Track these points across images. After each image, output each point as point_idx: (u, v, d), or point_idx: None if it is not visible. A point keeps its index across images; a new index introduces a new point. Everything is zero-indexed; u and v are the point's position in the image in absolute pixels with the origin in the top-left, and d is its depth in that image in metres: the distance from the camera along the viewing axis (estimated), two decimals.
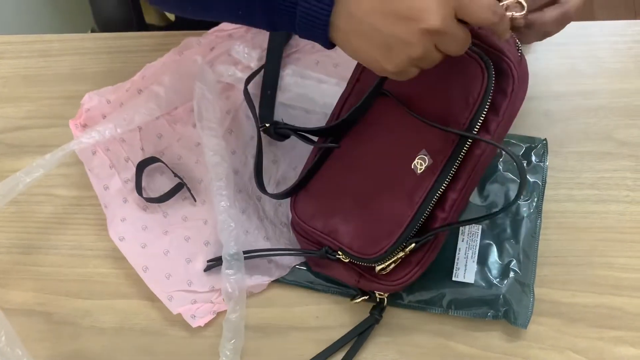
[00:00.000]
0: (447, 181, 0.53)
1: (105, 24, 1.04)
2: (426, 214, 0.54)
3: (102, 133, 0.64)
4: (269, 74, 0.69)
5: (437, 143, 0.53)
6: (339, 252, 0.57)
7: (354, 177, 0.58)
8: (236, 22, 0.55)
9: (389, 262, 0.55)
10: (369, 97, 0.55)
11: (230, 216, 0.60)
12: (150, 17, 1.07)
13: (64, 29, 1.38)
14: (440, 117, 0.53)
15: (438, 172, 0.53)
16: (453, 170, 0.53)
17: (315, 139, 0.61)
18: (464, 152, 0.53)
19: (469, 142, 0.53)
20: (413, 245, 0.54)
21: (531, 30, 0.55)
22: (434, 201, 0.54)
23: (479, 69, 0.51)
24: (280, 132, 0.63)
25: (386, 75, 0.48)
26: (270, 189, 0.65)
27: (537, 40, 0.56)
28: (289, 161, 0.67)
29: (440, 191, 0.53)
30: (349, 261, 0.57)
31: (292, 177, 0.66)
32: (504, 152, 0.65)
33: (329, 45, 0.49)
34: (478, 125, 0.52)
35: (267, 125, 0.63)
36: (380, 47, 0.46)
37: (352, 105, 0.58)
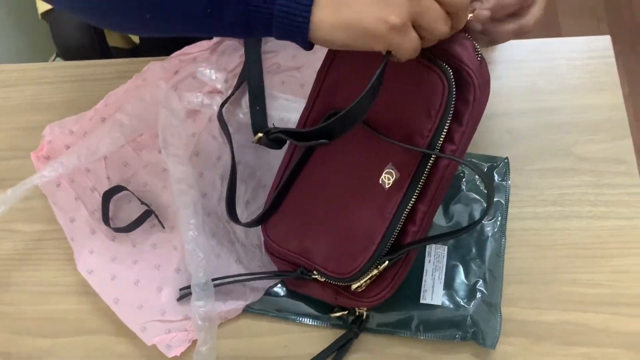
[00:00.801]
0: (416, 194, 0.53)
1: (66, 50, 1.03)
2: (398, 228, 0.54)
3: (65, 165, 0.63)
4: (254, 89, 0.69)
5: (403, 157, 0.53)
6: (314, 272, 0.57)
7: (323, 195, 0.58)
8: (199, 32, 0.51)
9: (364, 280, 0.55)
10: (374, 86, 0.48)
11: (198, 245, 0.59)
12: (113, 40, 1.06)
13: (25, 56, 1.36)
14: (404, 131, 0.53)
15: (406, 186, 0.53)
16: (421, 183, 0.53)
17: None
18: (430, 164, 0.53)
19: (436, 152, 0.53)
20: (386, 263, 0.55)
21: (484, 37, 0.55)
22: (404, 215, 0.54)
23: (438, 79, 0.51)
24: (273, 138, 0.59)
25: (393, 35, 0.45)
26: (239, 209, 0.65)
27: (485, 47, 0.57)
28: (258, 179, 0.67)
29: (410, 204, 0.53)
30: (325, 280, 0.57)
31: (262, 196, 0.66)
32: (466, 172, 0.65)
33: (308, 44, 0.48)
34: (442, 136, 0.52)
35: (260, 134, 0.59)
36: (375, 2, 0.45)
37: (316, 120, 0.57)
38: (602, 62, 0.70)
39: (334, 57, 0.57)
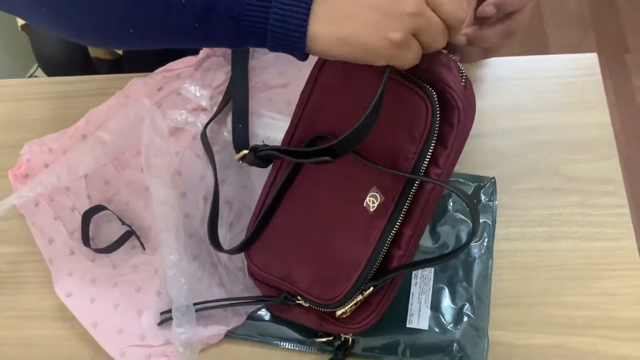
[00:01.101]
0: (401, 217, 0.52)
1: (47, 62, 1.01)
2: (383, 253, 0.53)
3: (44, 184, 0.62)
4: (238, 105, 0.67)
5: (387, 180, 0.52)
6: (298, 298, 0.56)
7: (307, 219, 0.56)
8: (185, 45, 0.50)
9: (349, 306, 0.54)
10: (378, 103, 0.47)
11: (179, 270, 0.58)
12: (96, 51, 1.04)
13: (4, 68, 1.34)
14: (388, 154, 0.52)
15: (391, 210, 0.52)
16: (406, 206, 0.52)
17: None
18: (415, 187, 0.52)
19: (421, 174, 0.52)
20: (371, 289, 0.53)
21: (474, 47, 0.54)
22: (389, 239, 0.53)
23: (422, 102, 0.50)
24: (262, 155, 0.57)
25: (395, 50, 0.44)
26: (223, 231, 0.63)
27: (481, 58, 0.56)
28: (242, 200, 0.66)
29: (395, 228, 0.52)
30: (309, 306, 0.56)
31: (246, 217, 0.65)
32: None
33: (304, 56, 0.47)
34: (427, 160, 0.51)
35: (245, 152, 0.58)
36: (376, 16, 0.44)
37: (299, 142, 0.56)
38: (589, 79, 0.70)
39: (316, 77, 0.56)
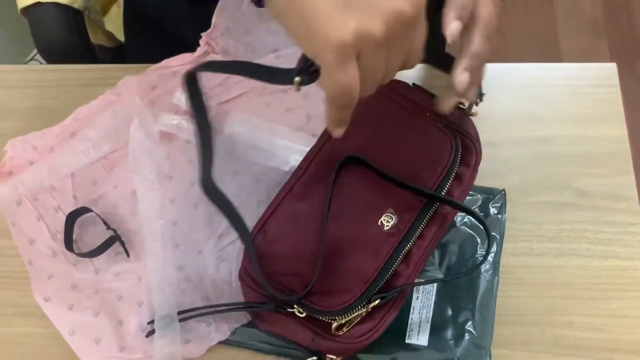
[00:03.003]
0: (413, 239, 0.54)
1: (46, 47, 0.98)
2: (392, 269, 0.53)
3: (25, 184, 0.59)
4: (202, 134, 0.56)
5: (404, 203, 0.55)
6: (294, 306, 0.53)
7: (317, 229, 0.55)
8: None
9: (348, 319, 0.52)
10: None
11: (164, 279, 0.55)
12: (97, 37, 1.01)
13: (2, 53, 1.31)
14: (410, 177, 0.56)
15: (405, 231, 0.54)
16: (420, 230, 0.55)
17: None
18: (430, 214, 0.55)
19: (436, 204, 0.55)
20: (378, 301, 0.53)
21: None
22: (400, 257, 0.54)
23: (447, 141, 0.56)
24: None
25: (337, 52, 0.37)
26: (211, 241, 0.61)
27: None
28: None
29: (407, 248, 0.54)
30: (305, 316, 0.53)
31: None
32: None
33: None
34: (444, 191, 0.55)
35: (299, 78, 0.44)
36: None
37: (322, 162, 0.57)
38: (606, 91, 0.67)
39: None
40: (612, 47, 1.51)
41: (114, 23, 1.02)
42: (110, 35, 1.03)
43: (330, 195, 0.55)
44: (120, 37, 1.01)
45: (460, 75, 0.49)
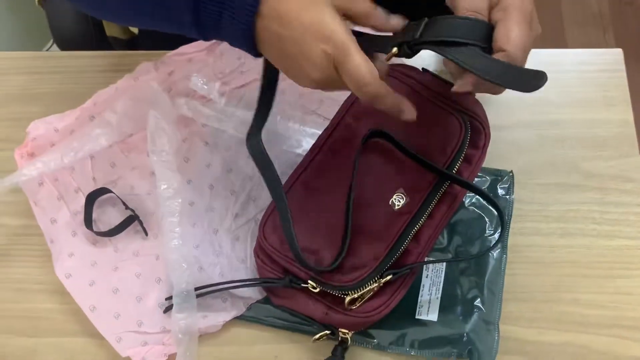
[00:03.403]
0: (423, 219, 0.56)
1: (63, 38, 1.00)
2: (403, 247, 0.55)
3: (47, 164, 0.60)
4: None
5: (415, 183, 0.57)
6: (308, 281, 0.55)
7: (332, 204, 0.57)
8: (169, 29, 0.54)
9: (360, 293, 0.54)
10: None
11: (182, 255, 0.57)
12: (111, 30, 1.04)
13: (20, 43, 1.34)
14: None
15: (415, 210, 0.56)
16: (429, 209, 0.56)
17: None
18: (440, 194, 0.57)
19: (446, 184, 0.57)
20: (390, 277, 0.54)
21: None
22: (410, 236, 0.55)
23: (457, 123, 0.57)
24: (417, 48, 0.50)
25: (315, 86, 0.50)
26: (227, 221, 0.62)
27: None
28: (249, 192, 0.64)
29: (417, 227, 0.56)
30: (319, 291, 0.55)
31: (251, 209, 0.64)
32: None
33: (255, 52, 0.50)
34: (454, 171, 0.57)
35: (395, 50, 0.50)
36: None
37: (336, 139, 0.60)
38: (613, 75, 0.68)
39: None
40: (618, 41, 1.52)
41: None
42: (124, 27, 1.05)
43: (355, 170, 0.56)
44: (134, 29, 1.03)
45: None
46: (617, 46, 0.71)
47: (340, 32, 0.47)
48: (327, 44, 0.47)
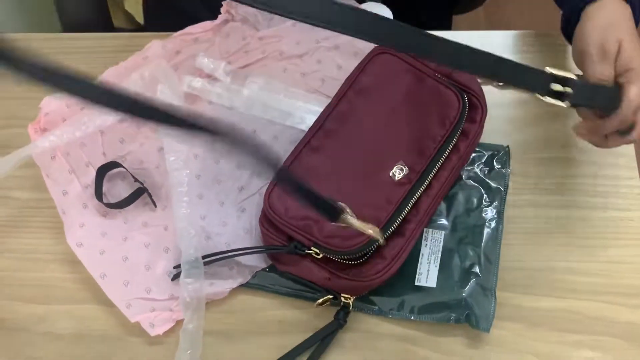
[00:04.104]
0: (421, 189, 0.59)
1: (71, 28, 1.03)
2: (403, 215, 0.58)
3: (59, 137, 0.62)
4: None
5: (414, 156, 0.60)
6: (312, 248, 0.57)
7: (334, 176, 0.60)
8: None
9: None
10: None
11: (190, 223, 0.59)
12: (118, 21, 1.06)
13: (28, 31, 1.36)
14: (420, 131, 0.61)
15: (414, 180, 0.59)
16: (428, 180, 0.60)
17: None
18: (438, 166, 0.60)
19: (444, 157, 0.60)
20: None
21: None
22: (410, 204, 0.59)
23: (455, 97, 0.61)
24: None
25: None
26: (232, 196, 0.65)
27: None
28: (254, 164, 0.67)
29: (416, 196, 0.59)
30: (322, 257, 0.57)
31: (256, 183, 0.66)
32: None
33: None
34: (452, 144, 0.60)
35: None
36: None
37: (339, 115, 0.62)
38: None
39: (371, 59, 0.63)
40: None
41: (133, 7, 1.06)
42: (130, 17, 1.08)
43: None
44: (140, 19, 1.05)
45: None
46: None
47: None
48: None
